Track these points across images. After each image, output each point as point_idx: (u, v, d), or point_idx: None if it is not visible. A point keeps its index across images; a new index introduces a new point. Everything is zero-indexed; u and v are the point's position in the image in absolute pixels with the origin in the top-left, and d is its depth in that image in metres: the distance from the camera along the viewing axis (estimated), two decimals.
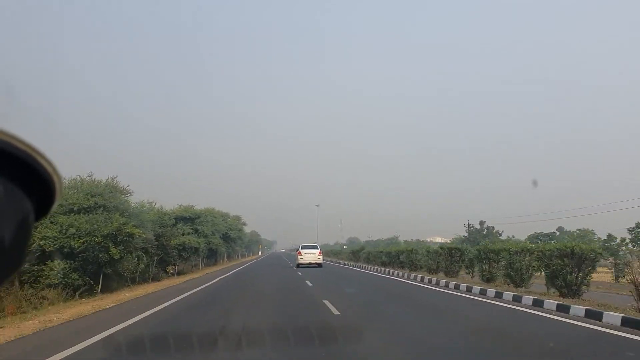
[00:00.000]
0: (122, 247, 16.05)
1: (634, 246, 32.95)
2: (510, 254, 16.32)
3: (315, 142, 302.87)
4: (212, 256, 42.05)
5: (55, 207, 0.96)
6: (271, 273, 28.31)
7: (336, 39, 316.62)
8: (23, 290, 13.62)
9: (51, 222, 14.99)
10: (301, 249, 35.78)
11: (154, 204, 28.20)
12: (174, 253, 24.61)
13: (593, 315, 9.29)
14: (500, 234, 56.40)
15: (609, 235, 37.77)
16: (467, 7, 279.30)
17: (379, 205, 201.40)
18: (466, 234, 61.36)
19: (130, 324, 9.14)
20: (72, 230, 15.00)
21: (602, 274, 26.60)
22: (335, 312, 10.27)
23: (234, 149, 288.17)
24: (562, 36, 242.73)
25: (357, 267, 37.18)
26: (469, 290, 15.60)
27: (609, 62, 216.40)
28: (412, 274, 23.43)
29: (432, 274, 23.18)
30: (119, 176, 18.45)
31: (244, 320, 9.33)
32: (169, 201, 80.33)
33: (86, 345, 7.12)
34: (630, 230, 35.26)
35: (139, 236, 16.87)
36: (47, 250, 14.64)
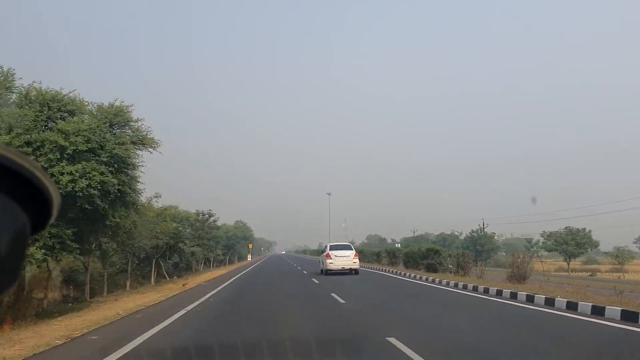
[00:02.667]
0: None
1: None
2: None
3: (318, 141, 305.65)
4: None
5: (52, 220, 0.95)
6: None
7: (339, 44, 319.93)
8: None
9: None
10: (330, 249, 26.09)
11: None
12: None
13: None
14: None
15: None
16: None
17: (379, 206, 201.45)
18: None
19: None
20: None
21: None
22: None
23: (234, 148, 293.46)
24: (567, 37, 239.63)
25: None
26: None
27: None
28: None
29: None
30: None
31: None
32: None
33: None
34: None
35: None
36: None
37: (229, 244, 62.22)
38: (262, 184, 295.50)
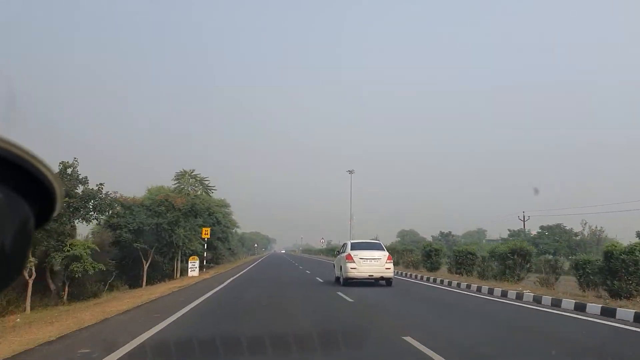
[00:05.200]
0: None
1: None
2: None
3: (322, 136, 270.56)
4: None
5: (56, 213, 0.94)
6: None
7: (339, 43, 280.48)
8: None
9: None
10: (351, 249, 18.57)
11: None
12: None
13: None
14: None
15: None
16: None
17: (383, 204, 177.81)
18: None
19: None
20: None
21: None
22: None
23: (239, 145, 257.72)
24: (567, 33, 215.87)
25: None
26: None
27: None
28: None
29: None
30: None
31: None
32: None
33: None
34: None
35: None
36: None
37: (143, 227, 22.62)
38: (261, 178, 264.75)
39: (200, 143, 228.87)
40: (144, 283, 24.21)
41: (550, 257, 28.68)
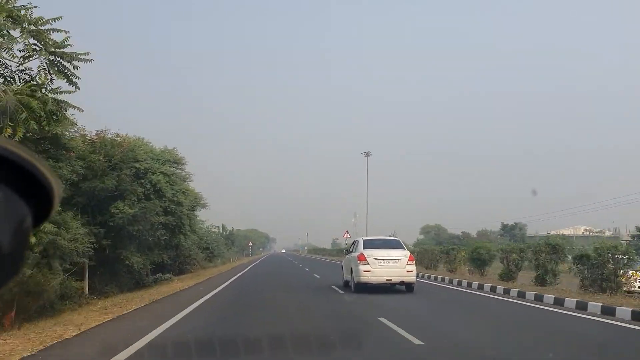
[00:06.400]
0: None
1: None
2: None
3: (325, 131, 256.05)
4: None
5: (54, 212, 0.94)
6: None
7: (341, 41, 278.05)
8: None
9: None
10: (364, 248, 15.94)
11: None
12: None
13: None
14: None
15: None
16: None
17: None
18: None
19: None
20: None
21: None
22: None
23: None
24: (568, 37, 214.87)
25: None
26: None
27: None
28: None
29: None
30: None
31: None
32: None
33: None
34: None
35: None
36: None
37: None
38: (261, 175, 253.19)
39: (195, 138, 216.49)
40: None
41: None
